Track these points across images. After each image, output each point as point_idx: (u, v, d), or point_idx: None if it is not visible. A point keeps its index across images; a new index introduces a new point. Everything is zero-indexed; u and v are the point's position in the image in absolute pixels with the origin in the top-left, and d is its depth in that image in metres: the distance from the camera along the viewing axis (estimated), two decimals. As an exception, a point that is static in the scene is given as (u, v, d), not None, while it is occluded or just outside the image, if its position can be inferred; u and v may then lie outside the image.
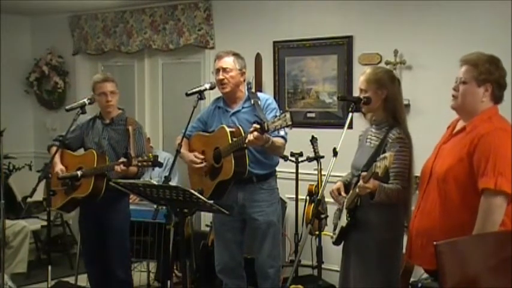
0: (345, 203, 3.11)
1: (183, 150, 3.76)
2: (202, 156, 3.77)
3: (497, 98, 2.67)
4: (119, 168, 3.79)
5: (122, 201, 4.10)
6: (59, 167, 4.09)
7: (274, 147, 3.58)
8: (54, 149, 4.14)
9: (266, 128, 3.27)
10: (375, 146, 3.06)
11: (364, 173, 2.86)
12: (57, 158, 4.10)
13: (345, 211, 3.11)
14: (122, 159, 3.79)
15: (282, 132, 3.57)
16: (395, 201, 2.95)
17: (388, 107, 3.08)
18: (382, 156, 2.74)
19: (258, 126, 3.31)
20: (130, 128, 4.06)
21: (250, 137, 3.36)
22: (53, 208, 4.12)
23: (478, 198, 2.53)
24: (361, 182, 2.88)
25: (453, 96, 2.70)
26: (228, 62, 3.74)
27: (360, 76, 3.16)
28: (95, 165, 3.94)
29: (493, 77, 2.63)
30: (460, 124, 2.75)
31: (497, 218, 2.49)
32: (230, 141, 3.59)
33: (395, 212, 3.02)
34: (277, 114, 3.50)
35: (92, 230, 4.13)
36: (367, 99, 3.07)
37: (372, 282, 3.02)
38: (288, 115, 3.19)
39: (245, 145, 3.48)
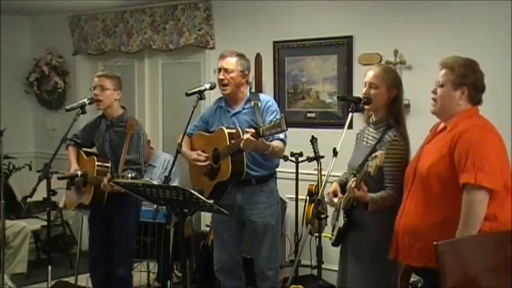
0: (341, 204, 3.11)
1: (185, 148, 3.77)
2: (206, 154, 3.76)
3: (474, 100, 2.72)
4: (105, 184, 3.77)
5: (129, 201, 3.96)
6: (74, 167, 4.04)
7: (273, 152, 3.59)
8: (70, 148, 4.14)
9: (261, 133, 3.29)
10: (371, 145, 3.06)
11: (354, 178, 2.88)
12: (72, 157, 4.10)
13: (342, 212, 3.11)
14: (108, 176, 3.77)
15: (281, 135, 3.57)
16: (389, 206, 2.97)
17: (393, 107, 3.10)
18: (373, 155, 2.79)
19: (252, 130, 3.33)
20: (128, 133, 3.92)
21: (243, 138, 3.38)
22: (69, 209, 4.31)
23: (461, 194, 2.57)
24: (351, 185, 2.90)
25: (432, 99, 2.76)
26: (230, 62, 3.74)
27: (370, 71, 3.14)
28: (94, 173, 3.92)
29: (469, 80, 2.68)
30: (442, 125, 2.80)
31: (479, 213, 2.53)
32: (228, 143, 3.59)
33: (391, 212, 3.01)
34: (277, 116, 3.51)
35: (101, 228, 4.10)
36: (367, 99, 3.07)
37: (369, 282, 3.03)
38: (282, 121, 3.21)
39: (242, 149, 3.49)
